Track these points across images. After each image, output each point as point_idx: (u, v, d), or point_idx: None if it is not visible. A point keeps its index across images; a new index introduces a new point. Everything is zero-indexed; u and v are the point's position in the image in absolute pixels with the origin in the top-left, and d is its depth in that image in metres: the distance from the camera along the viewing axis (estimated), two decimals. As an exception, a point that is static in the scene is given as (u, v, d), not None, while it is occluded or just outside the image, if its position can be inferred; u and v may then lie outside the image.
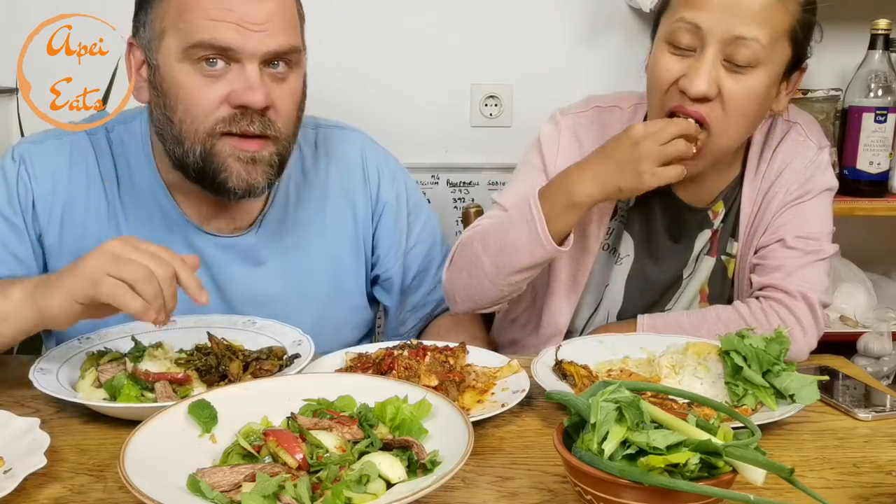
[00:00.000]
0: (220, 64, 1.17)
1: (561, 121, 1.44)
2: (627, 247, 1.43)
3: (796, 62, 1.27)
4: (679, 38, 1.22)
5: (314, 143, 1.46)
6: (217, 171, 1.21)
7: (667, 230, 1.42)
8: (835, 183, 1.39)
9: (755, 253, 1.37)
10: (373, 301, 1.55)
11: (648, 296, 1.44)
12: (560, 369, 1.16)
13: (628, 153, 1.21)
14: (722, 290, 1.43)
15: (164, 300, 1.03)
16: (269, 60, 1.20)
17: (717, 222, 1.41)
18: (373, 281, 1.53)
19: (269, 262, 1.38)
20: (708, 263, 1.42)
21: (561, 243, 1.27)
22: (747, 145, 1.39)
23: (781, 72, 1.25)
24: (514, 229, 1.29)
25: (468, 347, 1.23)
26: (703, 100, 1.21)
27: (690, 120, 1.21)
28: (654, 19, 1.33)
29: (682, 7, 1.22)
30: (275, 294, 1.38)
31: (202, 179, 1.24)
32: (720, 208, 1.41)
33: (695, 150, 1.21)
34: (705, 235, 1.41)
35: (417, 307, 1.53)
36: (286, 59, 1.21)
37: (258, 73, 1.18)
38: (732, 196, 1.40)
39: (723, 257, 1.42)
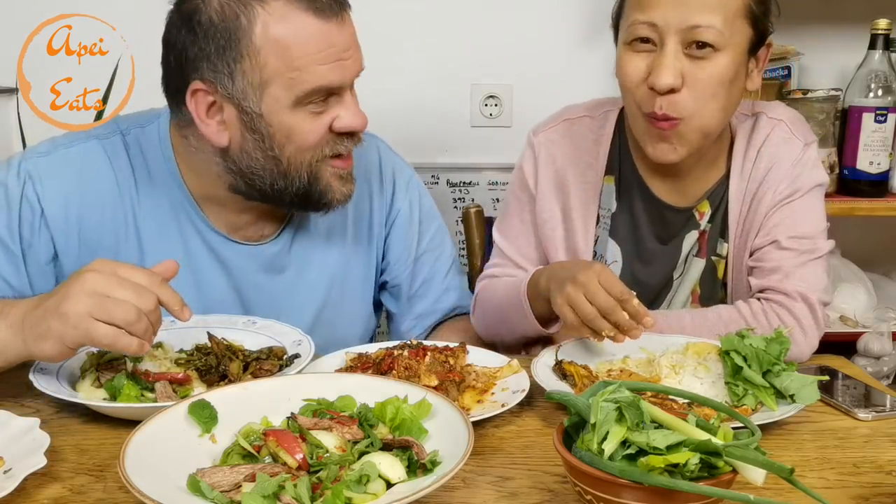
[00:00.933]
0: (325, 98, 1.20)
1: (534, 140, 1.47)
2: (614, 252, 1.43)
3: (759, 39, 1.28)
4: (638, 37, 1.25)
5: None
6: (322, 193, 1.26)
7: (652, 232, 1.42)
8: (824, 178, 1.38)
9: (751, 255, 1.36)
10: (377, 308, 1.55)
11: (640, 299, 1.44)
12: (560, 369, 1.16)
13: (570, 273, 1.18)
14: (712, 291, 1.42)
15: (152, 329, 1.04)
16: None
17: (703, 223, 1.40)
18: (381, 286, 1.53)
19: (289, 268, 1.38)
20: (698, 265, 1.42)
21: (550, 324, 1.34)
22: (731, 144, 1.39)
23: (746, 51, 1.27)
24: (512, 310, 1.35)
25: (468, 347, 1.23)
26: (671, 91, 1.23)
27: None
28: (612, 26, 1.35)
29: (635, 9, 1.25)
30: (292, 301, 1.37)
31: (301, 203, 1.27)
32: (706, 208, 1.40)
33: (610, 336, 1.16)
34: (692, 236, 1.41)
35: (424, 315, 1.52)
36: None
37: (353, 99, 1.23)
38: (718, 196, 1.39)
39: (713, 258, 1.41)
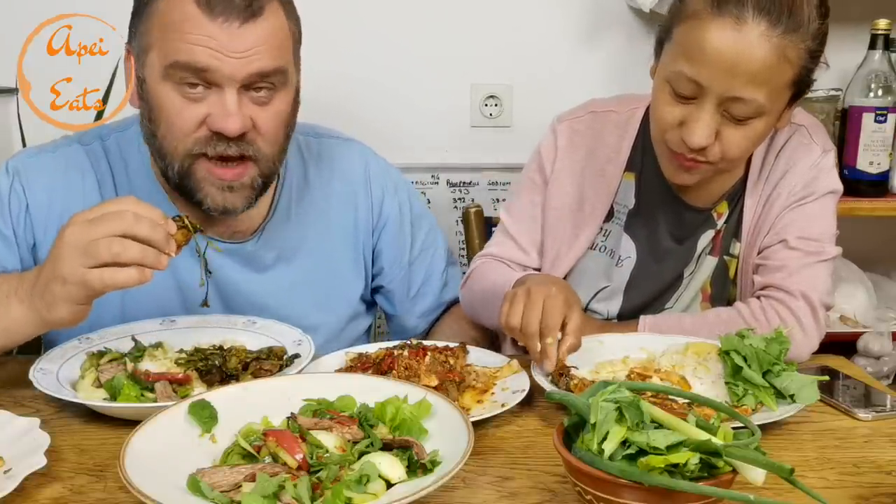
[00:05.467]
0: (200, 87, 1.17)
1: (557, 128, 1.47)
2: (628, 248, 1.43)
3: (802, 91, 1.26)
4: (679, 87, 1.22)
5: (317, 153, 1.46)
6: (194, 191, 1.23)
7: (670, 232, 1.42)
8: (839, 186, 1.39)
9: (758, 254, 1.37)
10: (370, 308, 1.56)
11: (648, 295, 1.44)
12: (563, 373, 1.14)
13: (535, 281, 1.21)
14: (723, 290, 1.43)
15: (153, 241, 1.01)
16: (250, 84, 1.18)
17: (720, 223, 1.41)
18: (375, 290, 1.54)
19: (271, 269, 1.39)
20: (710, 263, 1.42)
21: None
22: None
23: (784, 107, 1.26)
24: (495, 300, 1.31)
25: (468, 347, 1.23)
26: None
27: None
28: (657, 35, 1.30)
29: (683, 58, 1.20)
30: (275, 301, 1.37)
31: (182, 194, 1.25)
32: (724, 209, 1.41)
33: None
34: (708, 235, 1.41)
35: (428, 312, 1.55)
36: (269, 81, 1.19)
37: (236, 99, 1.17)
38: (736, 197, 1.40)
39: (725, 257, 1.42)
